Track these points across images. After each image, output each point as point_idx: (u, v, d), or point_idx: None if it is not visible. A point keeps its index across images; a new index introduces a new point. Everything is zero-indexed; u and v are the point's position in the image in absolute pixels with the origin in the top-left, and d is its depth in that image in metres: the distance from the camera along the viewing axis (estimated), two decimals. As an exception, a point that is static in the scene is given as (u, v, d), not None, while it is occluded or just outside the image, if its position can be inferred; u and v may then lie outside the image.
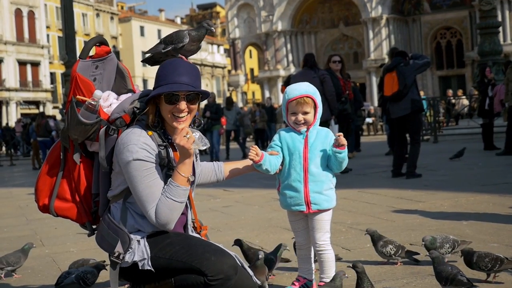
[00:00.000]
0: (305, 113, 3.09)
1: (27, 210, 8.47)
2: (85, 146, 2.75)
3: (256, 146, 3.05)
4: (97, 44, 2.84)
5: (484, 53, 18.84)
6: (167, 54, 2.80)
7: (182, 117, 2.63)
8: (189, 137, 2.56)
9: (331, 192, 3.13)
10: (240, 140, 18.70)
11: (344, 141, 3.01)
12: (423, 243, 3.74)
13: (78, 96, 2.69)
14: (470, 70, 52.52)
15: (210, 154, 16.29)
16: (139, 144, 2.56)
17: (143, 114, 2.66)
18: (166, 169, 2.65)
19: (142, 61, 3.04)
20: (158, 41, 2.94)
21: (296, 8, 60.35)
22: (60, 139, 2.81)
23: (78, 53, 3.18)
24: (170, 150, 2.67)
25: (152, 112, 2.64)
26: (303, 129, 3.12)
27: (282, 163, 3.15)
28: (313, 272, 3.29)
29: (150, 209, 2.57)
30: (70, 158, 2.76)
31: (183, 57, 2.78)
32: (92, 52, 2.83)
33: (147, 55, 2.93)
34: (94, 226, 2.85)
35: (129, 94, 2.80)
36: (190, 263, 2.51)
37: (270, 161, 3.06)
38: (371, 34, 56.50)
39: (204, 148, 2.73)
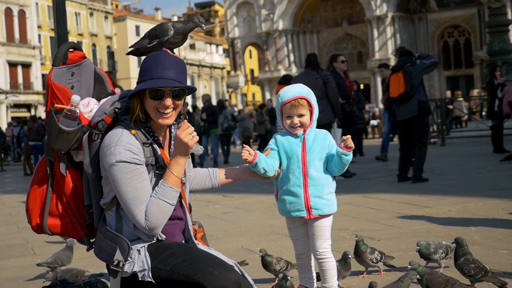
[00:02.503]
0: (301, 115, 3.08)
1: (18, 217, 8.47)
2: (72, 157, 2.73)
3: (247, 146, 3.03)
4: (70, 49, 2.82)
5: (494, 53, 18.86)
6: (153, 48, 2.79)
7: (167, 113, 2.62)
8: (194, 136, 2.57)
9: (331, 196, 3.13)
10: (239, 143, 18.69)
11: (352, 143, 3.02)
12: (418, 248, 3.80)
13: (56, 105, 2.67)
14: (479, 70, 52.56)
15: (200, 159, 16.19)
16: (122, 145, 2.54)
17: (125, 114, 2.65)
18: (155, 168, 2.64)
19: (127, 54, 3.02)
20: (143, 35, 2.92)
21: (298, 6, 60.41)
22: (44, 153, 2.79)
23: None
24: (156, 147, 2.65)
25: (138, 108, 2.62)
26: (300, 132, 3.12)
27: (280, 167, 3.14)
28: (315, 281, 3.29)
29: (138, 212, 2.55)
30: (58, 172, 2.73)
31: (168, 50, 2.78)
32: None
33: (131, 49, 2.90)
34: (92, 240, 2.80)
35: (109, 97, 2.77)
36: (192, 277, 2.49)
37: (266, 160, 3.05)
38: (375, 33, 56.54)
39: (198, 153, 2.77)
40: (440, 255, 3.84)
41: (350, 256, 3.69)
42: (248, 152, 2.96)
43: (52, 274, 4.15)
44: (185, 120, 2.68)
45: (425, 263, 3.94)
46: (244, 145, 3.08)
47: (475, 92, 27.61)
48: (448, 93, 28.64)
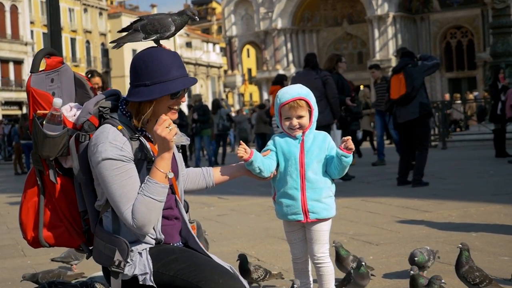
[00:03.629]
0: (300, 117, 3.08)
1: (8, 218, 8.46)
2: (61, 164, 2.72)
3: (243, 143, 3.04)
4: (47, 55, 2.82)
5: (497, 54, 18.88)
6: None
7: (178, 108, 2.69)
8: (172, 128, 2.54)
9: (330, 200, 3.13)
10: (234, 144, 18.67)
11: (352, 145, 3.02)
12: (416, 259, 3.73)
13: (39, 111, 2.68)
14: (481, 72, 52.61)
15: (196, 161, 16.18)
16: (108, 142, 2.54)
17: (112, 111, 2.66)
18: (146, 163, 2.64)
19: (113, 48, 2.89)
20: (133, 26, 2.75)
21: (297, 5, 60.45)
22: (32, 164, 2.78)
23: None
24: (144, 141, 2.65)
25: (150, 108, 2.61)
26: (299, 134, 3.12)
27: (277, 169, 3.15)
28: (312, 286, 3.30)
29: (125, 210, 2.54)
30: (49, 181, 2.73)
31: (165, 46, 2.75)
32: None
33: (121, 42, 2.77)
34: (90, 248, 2.79)
35: (92, 98, 2.77)
36: (196, 284, 2.48)
37: (263, 160, 3.05)
38: (376, 33, 56.60)
39: (186, 143, 2.75)
40: (431, 262, 3.89)
41: (364, 263, 3.45)
42: (244, 150, 2.97)
43: (29, 274, 4.13)
44: (163, 115, 2.62)
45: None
46: (241, 141, 3.08)
47: (471, 95, 27.68)
48: (447, 96, 28.66)
